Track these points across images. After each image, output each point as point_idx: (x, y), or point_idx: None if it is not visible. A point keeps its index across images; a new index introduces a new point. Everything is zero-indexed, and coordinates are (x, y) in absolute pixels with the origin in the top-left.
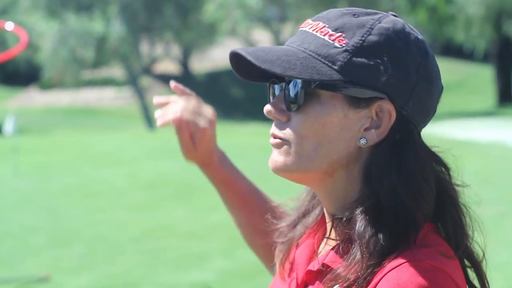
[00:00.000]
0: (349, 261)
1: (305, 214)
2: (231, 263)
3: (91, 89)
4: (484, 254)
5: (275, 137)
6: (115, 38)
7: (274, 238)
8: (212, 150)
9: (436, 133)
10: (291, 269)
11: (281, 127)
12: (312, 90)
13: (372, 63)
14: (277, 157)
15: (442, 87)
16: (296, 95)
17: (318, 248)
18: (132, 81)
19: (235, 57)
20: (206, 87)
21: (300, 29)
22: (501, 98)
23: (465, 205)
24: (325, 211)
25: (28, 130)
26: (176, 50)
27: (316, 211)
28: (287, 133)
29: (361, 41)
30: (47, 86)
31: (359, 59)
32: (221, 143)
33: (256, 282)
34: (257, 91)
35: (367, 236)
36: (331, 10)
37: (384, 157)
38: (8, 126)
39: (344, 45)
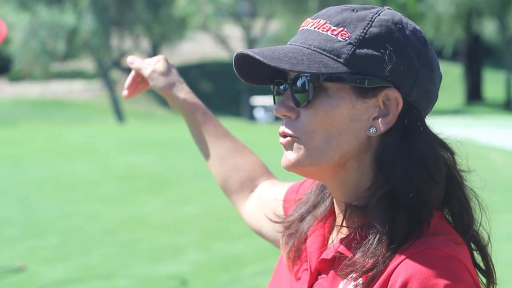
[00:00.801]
0: (366, 247)
1: (315, 206)
2: (206, 255)
3: (60, 81)
4: (489, 237)
5: (285, 135)
6: (86, 31)
7: (282, 230)
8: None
9: None
10: (299, 260)
11: (291, 124)
12: (320, 84)
13: (376, 53)
14: (290, 154)
15: (441, 76)
16: (305, 90)
17: (328, 238)
18: (102, 74)
19: (240, 60)
20: None
21: (302, 28)
22: (469, 96)
23: (472, 189)
24: (335, 202)
25: None
26: (145, 43)
27: (326, 203)
28: (298, 129)
29: (363, 33)
30: (16, 77)
31: (363, 51)
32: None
33: (231, 275)
34: (226, 86)
35: (384, 222)
36: (329, 7)
37: (394, 144)
38: None
39: (347, 38)
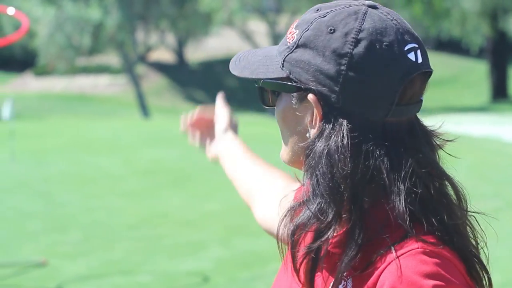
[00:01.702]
0: (349, 248)
1: None
2: (228, 252)
3: (86, 76)
4: (481, 242)
5: None
6: (111, 25)
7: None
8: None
9: (428, 126)
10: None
11: None
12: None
13: (302, 58)
14: (281, 150)
15: (403, 74)
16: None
17: None
18: (127, 68)
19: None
20: (201, 76)
21: None
22: (495, 93)
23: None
24: None
25: (23, 116)
26: (171, 38)
27: None
28: None
29: (299, 37)
30: (42, 72)
31: (294, 55)
32: None
33: (253, 272)
34: (251, 81)
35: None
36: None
37: (314, 148)
38: (5, 111)
39: (291, 42)
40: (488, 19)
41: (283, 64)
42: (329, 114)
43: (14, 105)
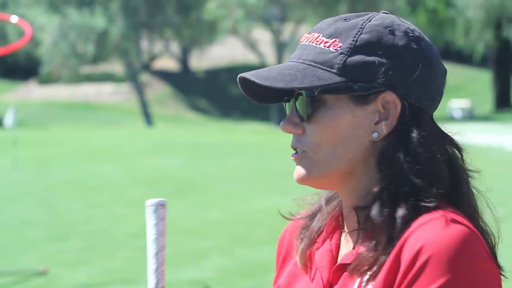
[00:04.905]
0: (372, 245)
1: (327, 201)
2: (230, 261)
3: (90, 84)
4: (498, 237)
5: (295, 150)
6: (116, 34)
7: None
8: None
9: None
10: (310, 266)
11: (298, 139)
12: (318, 97)
13: (367, 59)
14: (300, 169)
15: (445, 70)
16: (303, 105)
17: (337, 250)
18: (131, 77)
19: (244, 83)
20: (205, 85)
21: (300, 43)
22: (498, 103)
23: (476, 189)
24: (343, 208)
25: (27, 124)
26: (175, 47)
27: (339, 199)
28: (304, 144)
29: (354, 41)
30: (46, 80)
31: (354, 58)
32: (220, 141)
33: (255, 281)
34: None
35: (384, 217)
36: (324, 20)
37: (393, 144)
38: (9, 119)
39: (338, 48)
40: (492, 28)
41: (340, 69)
42: (405, 110)
43: (17, 113)
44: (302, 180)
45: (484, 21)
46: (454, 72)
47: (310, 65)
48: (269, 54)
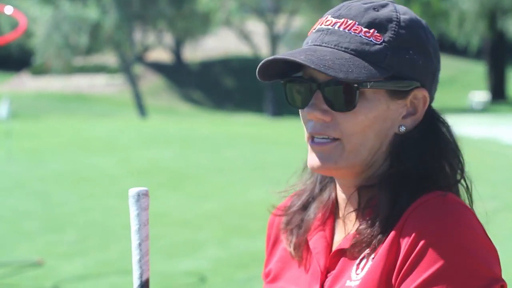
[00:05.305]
0: (371, 222)
1: (319, 192)
2: (225, 252)
3: (83, 75)
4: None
5: (315, 137)
6: (109, 25)
7: (286, 223)
8: None
9: None
10: (306, 256)
11: (327, 126)
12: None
13: (407, 55)
14: (324, 156)
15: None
16: (340, 94)
17: (331, 237)
18: (124, 68)
19: (266, 62)
20: (199, 77)
21: (323, 26)
22: (493, 95)
23: (470, 179)
24: (341, 190)
25: (20, 115)
26: (169, 38)
27: (330, 189)
28: (337, 131)
29: (394, 36)
30: (39, 71)
31: (397, 53)
32: (213, 133)
33: (250, 272)
34: (249, 82)
35: (390, 196)
36: (347, 4)
37: (418, 136)
38: (2, 110)
39: (380, 41)
40: (487, 20)
41: (388, 64)
42: (431, 106)
43: (11, 105)
44: (324, 169)
45: (478, 12)
46: (448, 65)
47: (355, 55)
48: (263, 45)
